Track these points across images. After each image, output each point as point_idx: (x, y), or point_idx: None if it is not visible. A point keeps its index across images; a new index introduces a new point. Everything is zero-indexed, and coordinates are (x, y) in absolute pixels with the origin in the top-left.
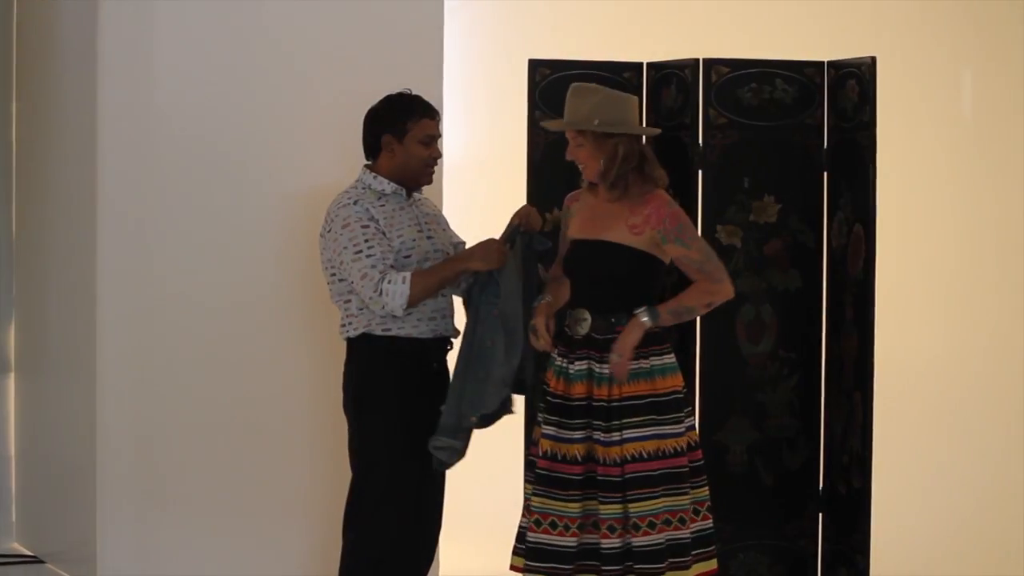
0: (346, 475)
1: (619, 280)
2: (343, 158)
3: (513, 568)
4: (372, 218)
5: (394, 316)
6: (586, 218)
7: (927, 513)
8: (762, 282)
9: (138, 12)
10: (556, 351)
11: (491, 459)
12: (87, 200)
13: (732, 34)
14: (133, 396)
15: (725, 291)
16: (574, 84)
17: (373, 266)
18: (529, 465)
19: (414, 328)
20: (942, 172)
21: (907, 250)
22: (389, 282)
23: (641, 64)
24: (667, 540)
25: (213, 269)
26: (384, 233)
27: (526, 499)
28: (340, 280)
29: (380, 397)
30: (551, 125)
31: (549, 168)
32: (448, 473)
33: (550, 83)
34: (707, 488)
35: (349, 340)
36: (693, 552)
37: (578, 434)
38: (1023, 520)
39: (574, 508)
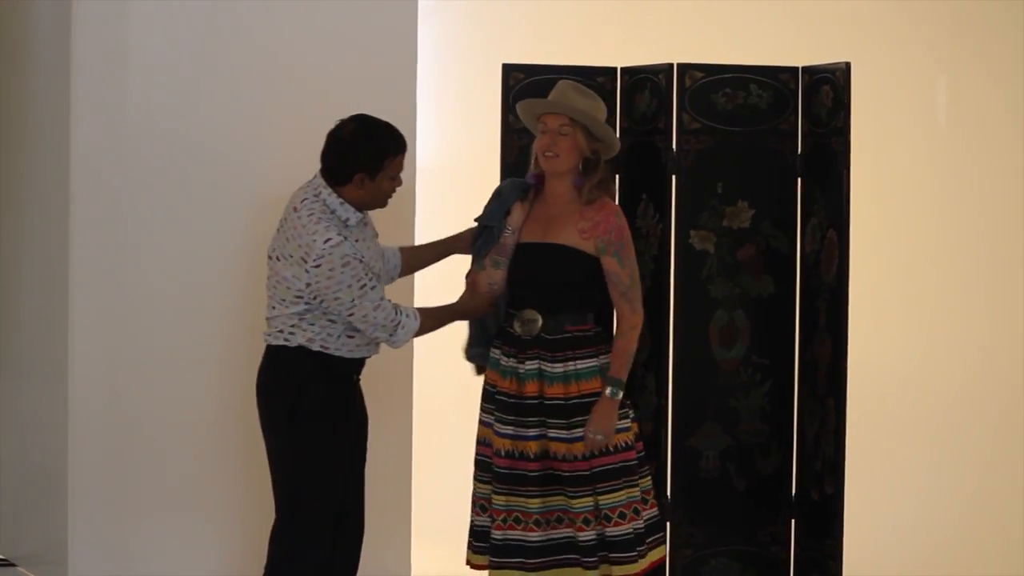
0: None
1: (570, 283)
2: (314, 159)
3: (475, 566)
4: (360, 255)
5: (345, 339)
6: (534, 221)
7: (900, 519)
8: (735, 287)
9: (112, 12)
10: (500, 352)
11: (459, 461)
12: (60, 201)
13: (706, 39)
14: (105, 398)
15: (640, 320)
16: (568, 80)
17: (382, 298)
18: (482, 465)
19: (350, 352)
20: (916, 178)
21: (881, 256)
22: (407, 316)
23: (615, 69)
24: (634, 529)
25: (186, 270)
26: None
27: (478, 497)
28: (309, 301)
29: (317, 409)
30: (565, 99)
31: (522, 172)
32: (417, 475)
33: (524, 87)
34: (650, 477)
35: (283, 348)
36: (648, 540)
37: (532, 432)
38: (997, 525)
39: (535, 504)
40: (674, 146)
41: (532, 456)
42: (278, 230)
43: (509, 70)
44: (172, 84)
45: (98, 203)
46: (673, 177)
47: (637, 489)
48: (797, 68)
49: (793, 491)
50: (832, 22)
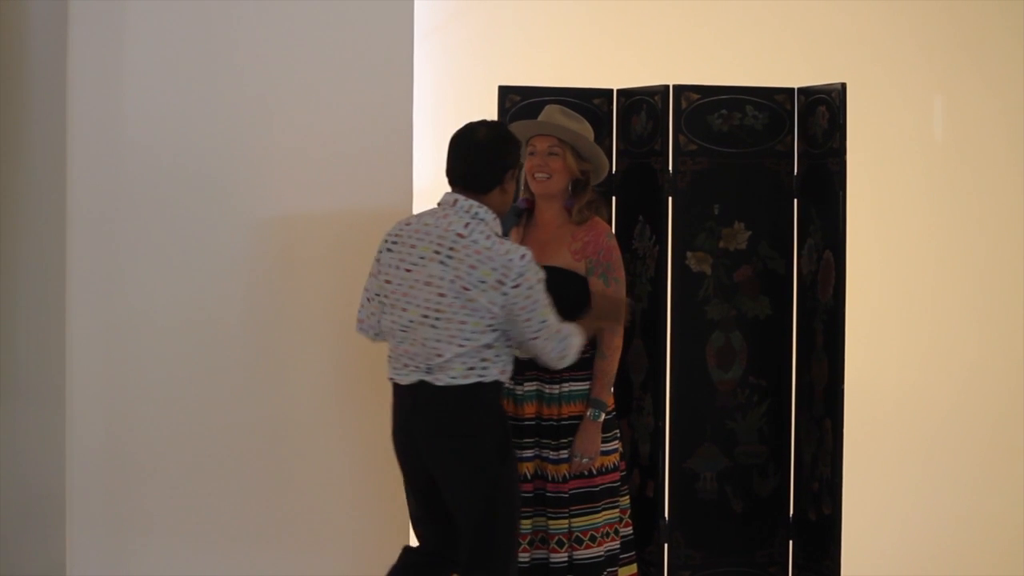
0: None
1: (569, 305)
2: (311, 182)
3: None
4: None
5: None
6: (529, 246)
7: (897, 540)
8: (732, 309)
9: (107, 23)
10: None
11: None
12: (56, 220)
13: (702, 61)
14: (104, 419)
15: (621, 342)
16: (555, 105)
17: (556, 318)
18: None
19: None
20: (913, 198)
21: (878, 276)
22: (570, 335)
23: (611, 91)
24: (607, 552)
25: (184, 289)
26: None
27: None
28: (497, 329)
29: (508, 441)
30: (559, 121)
31: (517, 194)
32: None
33: (520, 109)
34: (628, 496)
35: (479, 386)
36: (622, 556)
37: (528, 452)
38: (994, 544)
39: (525, 524)
40: (670, 168)
41: (528, 476)
42: (443, 264)
43: (505, 92)
44: (168, 102)
45: (95, 222)
46: (669, 199)
47: (617, 510)
48: (793, 89)
49: (791, 512)
50: (828, 43)
